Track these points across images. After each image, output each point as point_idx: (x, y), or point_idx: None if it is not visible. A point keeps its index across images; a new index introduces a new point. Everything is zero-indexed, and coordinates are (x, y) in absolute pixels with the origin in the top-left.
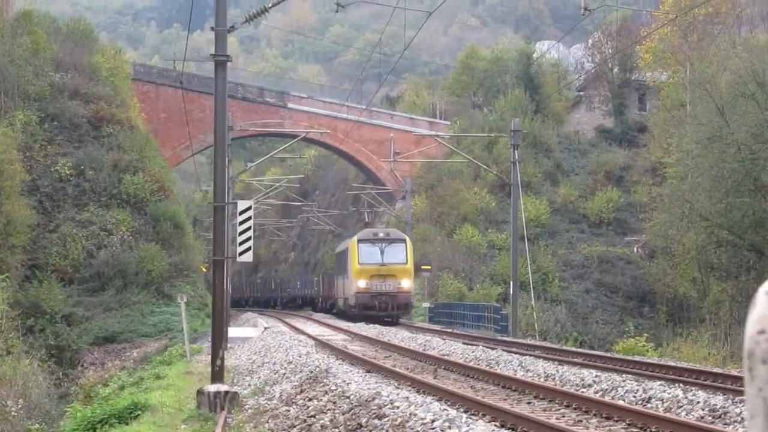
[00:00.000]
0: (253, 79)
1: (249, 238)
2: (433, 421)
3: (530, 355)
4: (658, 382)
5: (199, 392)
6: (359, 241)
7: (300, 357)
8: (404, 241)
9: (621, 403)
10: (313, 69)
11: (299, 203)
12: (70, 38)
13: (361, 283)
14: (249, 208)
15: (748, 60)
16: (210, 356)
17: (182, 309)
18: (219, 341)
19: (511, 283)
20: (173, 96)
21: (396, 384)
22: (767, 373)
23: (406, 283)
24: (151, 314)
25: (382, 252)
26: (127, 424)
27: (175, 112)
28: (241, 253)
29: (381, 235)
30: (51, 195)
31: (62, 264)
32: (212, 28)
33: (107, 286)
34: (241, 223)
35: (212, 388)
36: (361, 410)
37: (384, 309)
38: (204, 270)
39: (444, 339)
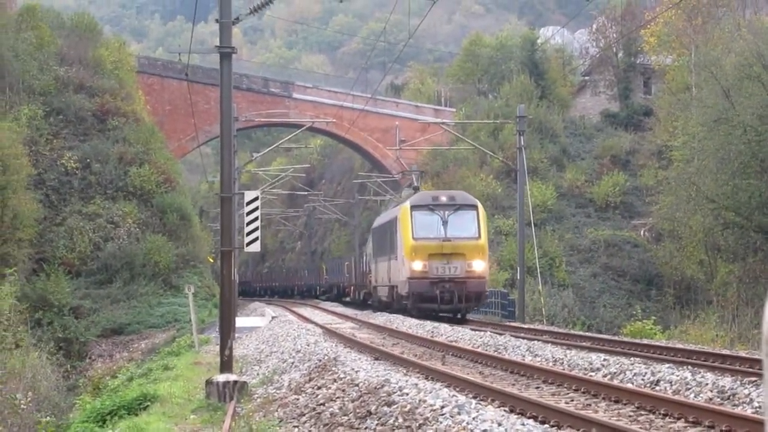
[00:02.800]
0: (258, 70)
1: (256, 228)
2: (442, 407)
3: (538, 340)
4: (667, 365)
5: (208, 382)
6: (413, 207)
7: (308, 345)
8: (475, 207)
9: (630, 386)
10: (317, 59)
11: (305, 192)
12: (74, 32)
13: (417, 266)
14: (256, 199)
15: (753, 42)
16: (218, 346)
17: (190, 299)
18: (227, 331)
19: (519, 268)
20: (178, 88)
21: (405, 371)
22: None
23: (479, 266)
24: (159, 305)
25: (444, 222)
26: (136, 415)
27: (180, 104)
28: (248, 243)
29: (443, 199)
30: (57, 188)
31: (69, 257)
32: (217, 20)
33: (114, 278)
34: (248, 213)
35: (221, 377)
36: (370, 398)
37: (448, 301)
38: (211, 261)
39: (452, 325)
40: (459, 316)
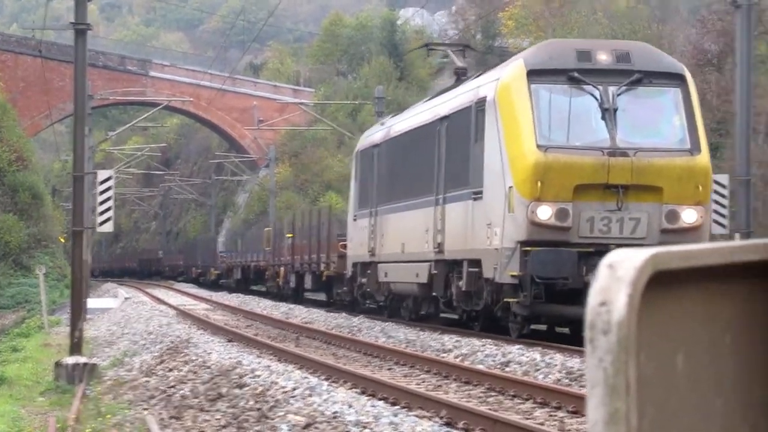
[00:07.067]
0: (115, 47)
1: (109, 208)
2: (294, 389)
3: (392, 322)
4: (517, 346)
5: (58, 364)
6: (533, 74)
7: (160, 327)
8: (681, 78)
9: (480, 367)
10: (176, 37)
11: (161, 172)
12: None
13: (543, 213)
14: (109, 178)
15: (609, 26)
16: (69, 328)
17: (41, 280)
18: (77, 312)
19: None
20: (32, 65)
21: (258, 353)
22: (608, 344)
23: (690, 215)
24: (9, 286)
25: (609, 112)
26: None
27: (34, 81)
28: (101, 223)
29: (603, 58)
30: None
31: None
32: None
33: None
34: (101, 193)
35: (71, 360)
36: (221, 380)
37: None
38: (63, 241)
39: (307, 307)
40: None
